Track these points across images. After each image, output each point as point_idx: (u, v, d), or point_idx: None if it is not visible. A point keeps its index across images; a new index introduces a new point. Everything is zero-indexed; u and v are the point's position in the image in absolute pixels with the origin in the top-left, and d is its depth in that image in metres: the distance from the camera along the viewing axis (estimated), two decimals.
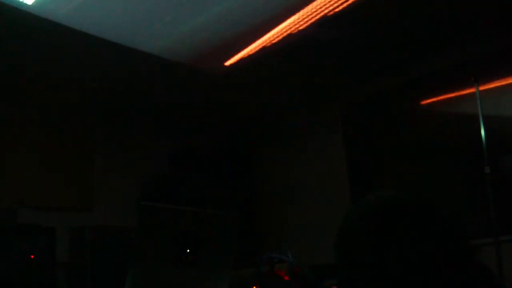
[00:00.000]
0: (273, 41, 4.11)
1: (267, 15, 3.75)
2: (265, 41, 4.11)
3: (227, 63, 4.44)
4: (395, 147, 4.91)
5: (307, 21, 3.83)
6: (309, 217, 5.23)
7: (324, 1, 3.64)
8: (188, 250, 1.54)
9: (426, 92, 4.74)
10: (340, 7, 3.68)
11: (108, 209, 5.04)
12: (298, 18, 3.81)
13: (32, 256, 4.14)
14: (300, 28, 3.91)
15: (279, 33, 4.01)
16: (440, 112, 4.67)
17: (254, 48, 4.19)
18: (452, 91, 4.53)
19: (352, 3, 3.64)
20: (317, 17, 3.79)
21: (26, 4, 3.44)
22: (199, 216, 1.66)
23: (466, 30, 4.09)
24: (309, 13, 3.76)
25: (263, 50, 4.21)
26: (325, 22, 3.85)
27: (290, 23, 3.87)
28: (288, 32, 3.98)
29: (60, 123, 5.15)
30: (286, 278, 1.77)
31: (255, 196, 5.71)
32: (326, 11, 3.74)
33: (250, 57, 4.33)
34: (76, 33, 3.79)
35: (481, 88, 3.66)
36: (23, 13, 3.52)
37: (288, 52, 4.27)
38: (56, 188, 4.98)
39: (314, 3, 3.66)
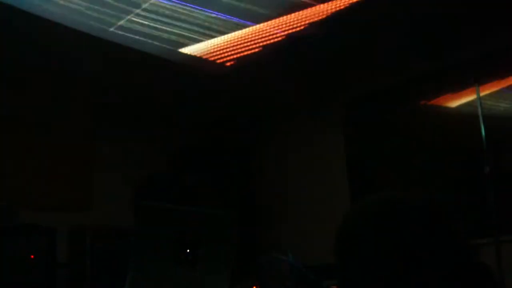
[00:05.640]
0: (273, 41, 4.10)
1: (267, 14, 3.75)
2: (265, 41, 4.10)
3: (228, 63, 4.44)
4: (395, 147, 4.91)
5: (307, 20, 3.83)
6: (309, 217, 5.23)
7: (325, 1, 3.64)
8: (187, 250, 1.54)
9: (426, 92, 4.74)
10: (340, 7, 3.68)
11: (108, 209, 5.03)
12: (298, 18, 3.81)
13: (32, 256, 4.14)
14: (300, 28, 3.91)
15: (279, 33, 4.01)
16: (440, 112, 4.66)
17: (254, 48, 4.19)
18: (452, 91, 4.53)
19: (352, 3, 3.63)
20: (317, 17, 3.79)
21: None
22: (198, 216, 1.66)
23: (467, 30, 4.08)
24: (310, 13, 3.76)
25: (263, 50, 4.21)
26: (325, 22, 3.85)
27: (290, 23, 3.87)
28: (289, 31, 3.97)
29: (60, 123, 5.14)
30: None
31: (254, 195, 5.70)
32: (326, 11, 3.73)
33: (250, 57, 4.33)
34: (75, 33, 3.80)
35: (481, 88, 3.66)
36: (22, 12, 3.53)
37: (288, 52, 4.27)
38: (56, 188, 4.97)
39: (314, 3, 3.66)
